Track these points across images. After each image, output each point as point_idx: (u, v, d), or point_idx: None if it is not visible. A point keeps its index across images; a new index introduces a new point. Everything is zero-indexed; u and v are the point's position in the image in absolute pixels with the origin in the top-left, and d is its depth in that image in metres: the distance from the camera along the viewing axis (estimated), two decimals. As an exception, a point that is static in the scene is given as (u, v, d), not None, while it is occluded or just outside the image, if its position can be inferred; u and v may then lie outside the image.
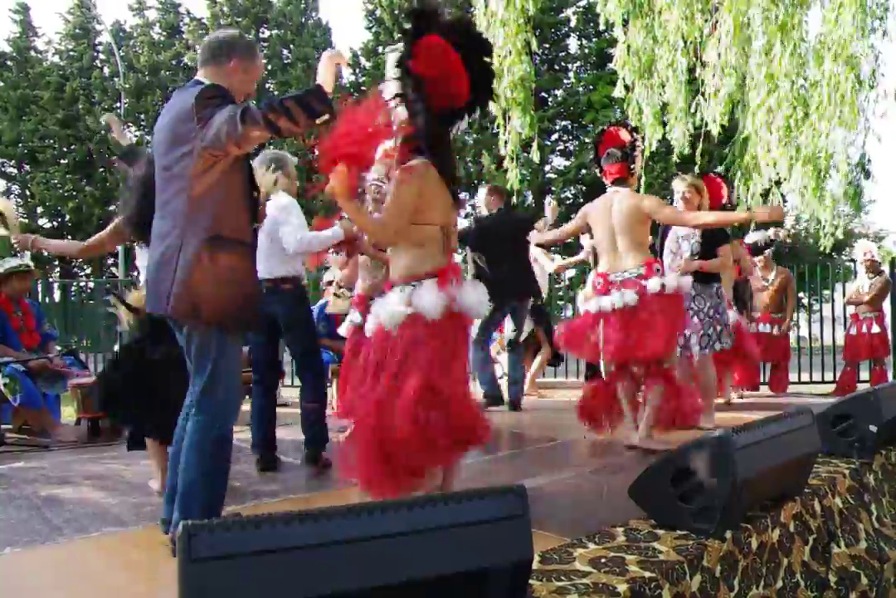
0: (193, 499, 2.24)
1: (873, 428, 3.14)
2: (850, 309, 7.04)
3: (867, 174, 6.16)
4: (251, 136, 2.11)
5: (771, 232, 6.02)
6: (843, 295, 7.52)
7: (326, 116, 2.12)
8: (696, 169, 6.69)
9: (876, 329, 6.64)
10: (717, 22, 6.16)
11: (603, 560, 1.99)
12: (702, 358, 4.42)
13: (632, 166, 3.90)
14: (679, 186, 4.42)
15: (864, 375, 7.09)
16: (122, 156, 3.79)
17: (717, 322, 4.40)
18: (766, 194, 6.89)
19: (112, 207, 24.86)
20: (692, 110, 6.62)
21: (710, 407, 4.43)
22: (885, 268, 7.65)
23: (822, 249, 6.70)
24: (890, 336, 7.33)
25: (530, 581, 1.70)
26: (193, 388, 2.35)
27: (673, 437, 4.01)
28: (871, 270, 6.75)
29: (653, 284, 3.68)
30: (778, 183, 6.49)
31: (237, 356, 2.42)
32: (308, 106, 2.07)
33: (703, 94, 6.49)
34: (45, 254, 23.72)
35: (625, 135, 3.97)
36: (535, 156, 7.38)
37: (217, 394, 2.31)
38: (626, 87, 6.87)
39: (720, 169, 6.75)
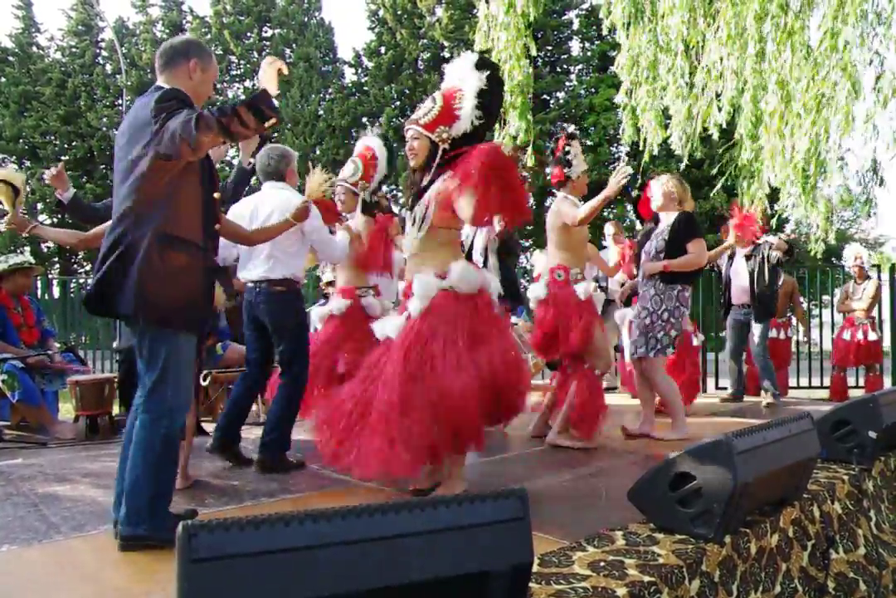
0: (139, 495, 2.30)
1: (873, 434, 3.15)
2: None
3: (881, 181, 6.13)
4: (204, 140, 2.19)
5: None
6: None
7: (274, 120, 2.26)
8: (682, 171, 6.70)
9: (872, 336, 6.64)
10: (718, 27, 6.16)
11: (602, 564, 1.99)
12: (648, 363, 4.20)
13: (566, 170, 4.12)
14: (654, 186, 4.41)
15: (853, 380, 7.08)
16: (68, 210, 4.07)
17: (671, 327, 4.15)
18: (763, 198, 6.89)
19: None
20: (693, 114, 6.62)
21: (676, 416, 4.20)
22: (885, 274, 7.66)
23: (813, 253, 6.69)
24: (888, 341, 7.34)
25: (529, 584, 1.69)
26: (142, 386, 2.38)
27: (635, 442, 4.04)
28: (860, 275, 6.74)
29: (537, 292, 4.09)
30: (775, 188, 6.49)
31: (190, 357, 2.44)
32: (258, 111, 2.20)
33: (703, 98, 6.49)
34: (45, 250, 23.75)
35: (562, 141, 4.18)
36: (530, 160, 7.46)
37: (166, 393, 2.35)
38: (627, 92, 6.88)
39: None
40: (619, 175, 3.67)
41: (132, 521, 2.29)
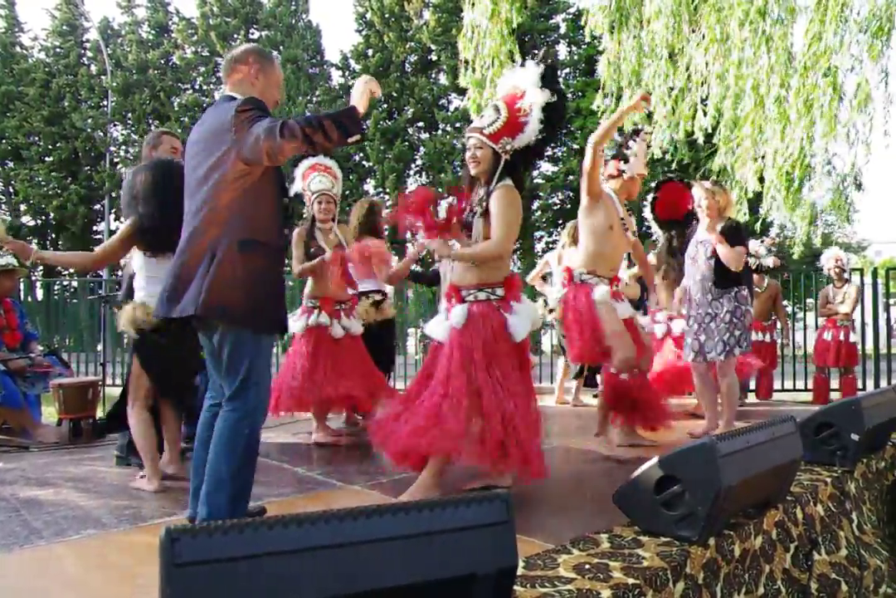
0: (221, 492, 2.33)
1: (855, 437, 3.17)
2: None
3: (858, 186, 6.20)
4: (287, 147, 2.25)
5: (770, 261, 6.20)
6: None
7: (357, 137, 2.29)
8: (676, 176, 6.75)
9: (853, 338, 6.70)
10: (703, 32, 6.21)
11: (587, 567, 1.99)
12: (721, 364, 4.25)
13: (622, 165, 3.91)
14: (698, 195, 4.38)
15: (836, 383, 7.13)
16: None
17: (734, 327, 4.20)
18: (747, 201, 6.95)
19: (97, 206, 24.67)
20: (677, 119, 6.66)
21: (732, 415, 4.27)
22: (868, 277, 7.73)
23: (795, 257, 6.76)
24: (870, 344, 7.40)
25: (514, 587, 1.69)
26: (225, 386, 2.43)
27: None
28: (839, 278, 6.80)
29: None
30: (759, 193, 6.54)
31: (269, 357, 2.52)
32: (343, 125, 2.24)
33: (687, 103, 6.54)
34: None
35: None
36: None
37: (249, 393, 2.39)
38: (608, 96, 6.93)
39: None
40: (637, 97, 3.54)
41: (213, 519, 2.33)
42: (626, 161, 3.91)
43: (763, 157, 5.92)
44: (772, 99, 5.67)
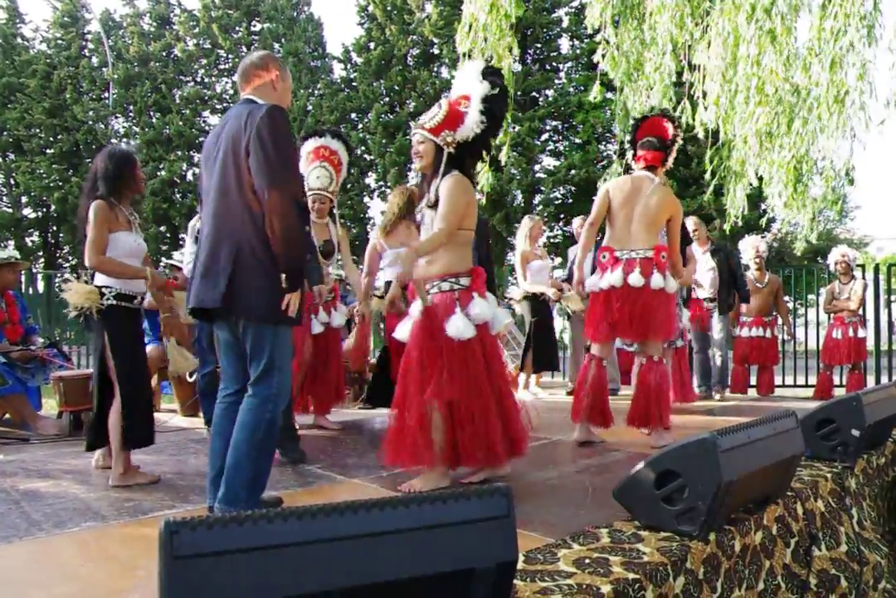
0: (239, 474, 2.42)
1: (856, 432, 3.17)
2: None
3: (851, 181, 6.19)
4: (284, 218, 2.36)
5: (763, 245, 6.32)
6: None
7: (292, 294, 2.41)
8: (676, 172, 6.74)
9: (861, 333, 6.70)
10: (707, 26, 6.17)
11: (587, 561, 1.99)
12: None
13: (667, 158, 4.05)
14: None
15: (837, 379, 7.13)
16: None
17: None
18: (749, 197, 6.94)
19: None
20: (679, 113, 6.64)
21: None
22: (870, 274, 7.72)
23: (798, 253, 6.76)
24: (871, 340, 7.39)
25: (514, 581, 1.69)
26: (251, 372, 2.50)
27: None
28: (845, 272, 6.80)
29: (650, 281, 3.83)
30: (761, 188, 6.53)
31: (290, 345, 2.59)
32: (311, 275, 2.44)
33: (690, 98, 6.51)
34: (30, 244, 23.51)
35: (670, 127, 4.09)
36: (504, 159, 7.53)
37: (272, 379, 2.47)
38: (609, 88, 6.91)
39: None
40: None
41: (230, 500, 2.40)
42: (670, 154, 4.09)
43: (765, 152, 5.90)
44: (778, 94, 5.64)
